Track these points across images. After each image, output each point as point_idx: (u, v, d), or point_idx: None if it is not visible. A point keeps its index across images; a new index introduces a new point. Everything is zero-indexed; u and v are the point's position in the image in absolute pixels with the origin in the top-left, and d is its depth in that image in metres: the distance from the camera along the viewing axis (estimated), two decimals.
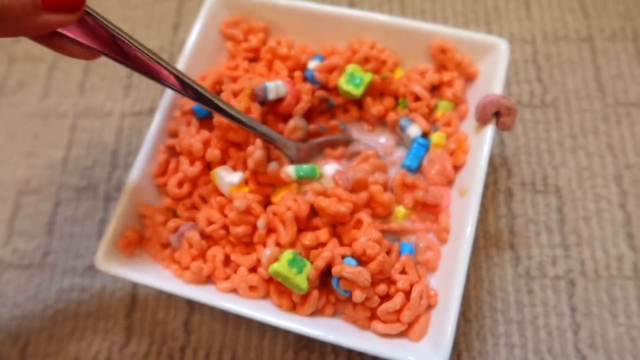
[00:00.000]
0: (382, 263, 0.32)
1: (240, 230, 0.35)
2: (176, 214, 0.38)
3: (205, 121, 0.39)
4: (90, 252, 0.45)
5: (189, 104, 0.39)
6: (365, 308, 0.33)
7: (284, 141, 0.37)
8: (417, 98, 0.40)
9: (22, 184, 0.49)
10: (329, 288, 0.35)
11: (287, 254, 0.32)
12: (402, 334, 0.33)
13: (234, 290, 0.35)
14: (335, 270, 0.32)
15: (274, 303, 0.35)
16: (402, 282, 0.33)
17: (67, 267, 0.45)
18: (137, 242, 0.37)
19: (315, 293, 0.33)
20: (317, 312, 0.35)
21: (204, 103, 0.33)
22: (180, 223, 0.37)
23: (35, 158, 0.50)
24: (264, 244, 0.35)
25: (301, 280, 0.32)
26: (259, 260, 0.35)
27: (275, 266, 0.32)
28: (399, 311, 0.33)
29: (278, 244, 0.34)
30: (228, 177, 0.36)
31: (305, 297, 0.33)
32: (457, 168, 0.38)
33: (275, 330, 0.41)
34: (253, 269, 0.35)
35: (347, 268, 0.32)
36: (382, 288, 0.33)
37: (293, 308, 0.34)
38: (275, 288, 0.34)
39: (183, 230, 0.37)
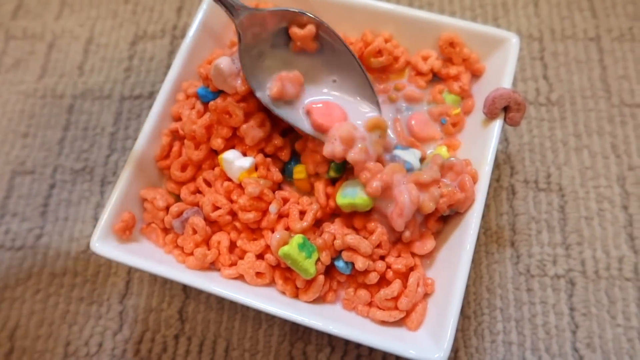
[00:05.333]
0: (382, 233, 0.33)
1: (251, 216, 0.34)
2: (179, 198, 0.37)
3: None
4: (84, 236, 0.44)
5: (193, 87, 0.38)
6: (365, 290, 0.34)
7: None
8: (418, 73, 0.40)
9: (16, 164, 0.48)
10: (331, 275, 0.35)
11: (297, 238, 0.32)
12: (400, 323, 0.33)
13: (239, 277, 0.35)
14: (337, 243, 0.33)
15: (278, 289, 0.34)
16: (397, 264, 0.34)
17: (61, 250, 0.44)
18: (133, 225, 0.36)
19: (321, 278, 0.33)
20: (318, 299, 0.34)
21: None
22: (184, 208, 0.36)
23: (31, 138, 0.49)
24: (273, 230, 0.35)
25: (310, 265, 0.32)
26: (266, 247, 0.35)
27: (285, 249, 0.32)
28: (396, 298, 0.33)
29: (287, 229, 0.34)
30: (238, 162, 0.35)
31: (310, 282, 0.33)
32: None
33: (271, 321, 0.40)
34: (260, 255, 0.35)
35: (350, 235, 0.33)
36: (380, 265, 0.34)
37: (296, 295, 0.34)
38: (281, 274, 0.34)
39: (187, 216, 0.36)
